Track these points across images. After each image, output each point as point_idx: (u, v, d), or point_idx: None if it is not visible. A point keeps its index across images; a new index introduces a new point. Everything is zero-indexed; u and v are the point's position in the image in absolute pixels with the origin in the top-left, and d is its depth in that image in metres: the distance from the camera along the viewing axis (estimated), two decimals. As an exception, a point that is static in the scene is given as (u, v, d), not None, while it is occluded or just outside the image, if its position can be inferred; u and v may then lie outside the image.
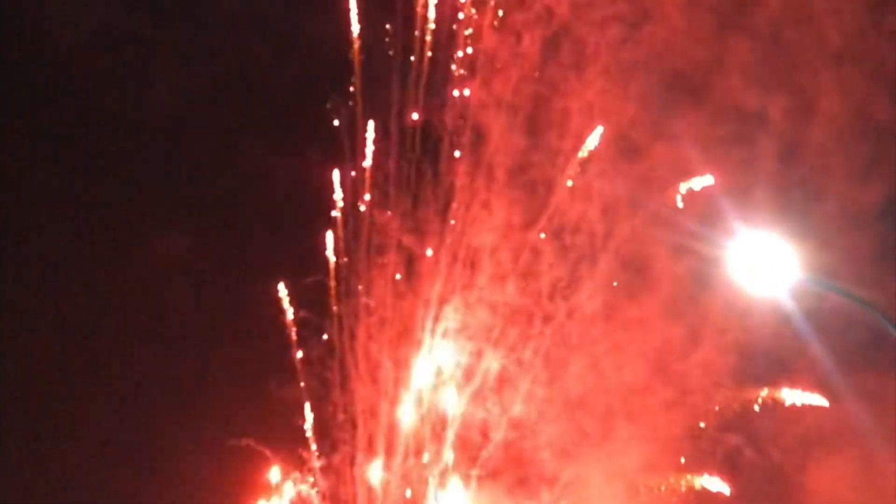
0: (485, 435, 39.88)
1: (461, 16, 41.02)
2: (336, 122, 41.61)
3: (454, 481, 39.80)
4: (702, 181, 37.32)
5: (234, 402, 40.65)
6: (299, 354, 41.23)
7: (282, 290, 41.18)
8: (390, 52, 41.53)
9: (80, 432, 41.40)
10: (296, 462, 41.26)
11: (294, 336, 41.30)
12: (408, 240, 41.37)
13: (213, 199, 43.20)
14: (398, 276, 41.37)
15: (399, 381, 40.49)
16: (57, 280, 42.57)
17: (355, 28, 41.24)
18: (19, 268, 42.68)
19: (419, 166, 41.73)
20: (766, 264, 21.96)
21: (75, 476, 40.37)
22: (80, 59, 42.44)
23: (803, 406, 35.68)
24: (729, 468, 37.70)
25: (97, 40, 43.03)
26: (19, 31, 42.93)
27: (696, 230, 33.59)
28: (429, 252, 41.26)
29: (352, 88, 41.85)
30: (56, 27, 42.48)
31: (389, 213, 41.77)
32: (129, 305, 42.32)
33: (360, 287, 41.64)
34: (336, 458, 41.05)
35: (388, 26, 41.44)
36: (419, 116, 41.71)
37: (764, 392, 36.74)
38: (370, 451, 40.59)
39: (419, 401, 40.22)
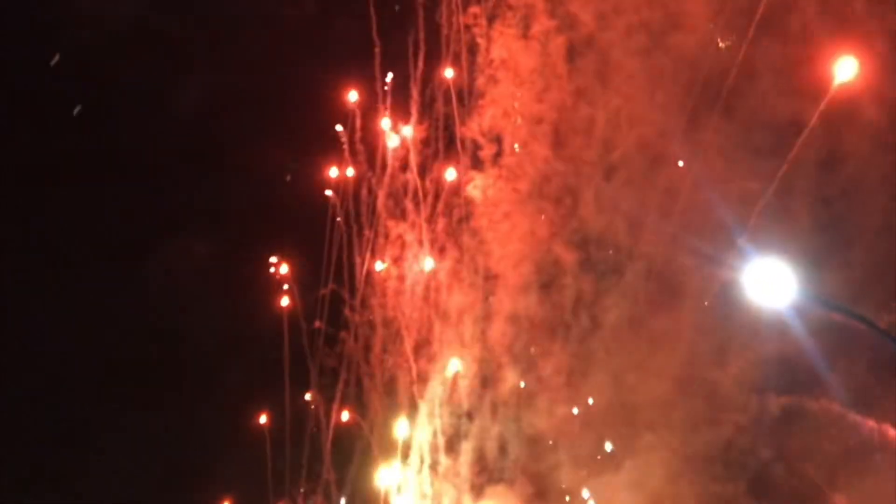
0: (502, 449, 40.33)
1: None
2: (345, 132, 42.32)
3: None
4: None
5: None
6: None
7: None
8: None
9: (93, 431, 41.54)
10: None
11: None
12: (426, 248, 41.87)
13: (233, 203, 43.08)
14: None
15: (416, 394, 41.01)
16: (73, 284, 42.61)
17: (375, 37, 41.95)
18: (30, 269, 42.73)
19: (439, 176, 42.20)
20: (776, 284, 22.39)
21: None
22: (100, 60, 42.61)
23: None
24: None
25: (117, 41, 43.27)
26: (42, 27, 43.35)
27: (711, 251, 33.99)
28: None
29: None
30: (78, 27, 42.96)
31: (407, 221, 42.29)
32: (142, 307, 42.30)
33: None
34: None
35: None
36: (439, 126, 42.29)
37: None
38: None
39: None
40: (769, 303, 22.02)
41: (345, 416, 41.94)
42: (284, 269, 42.85)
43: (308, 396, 41.80)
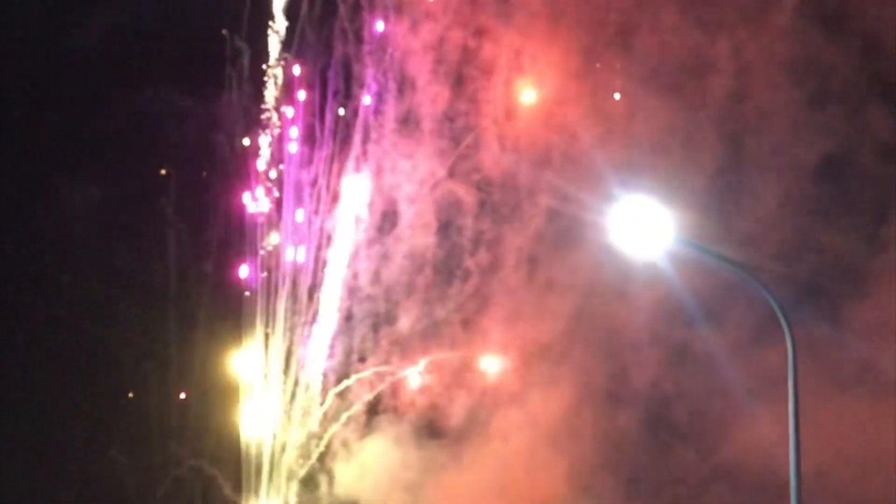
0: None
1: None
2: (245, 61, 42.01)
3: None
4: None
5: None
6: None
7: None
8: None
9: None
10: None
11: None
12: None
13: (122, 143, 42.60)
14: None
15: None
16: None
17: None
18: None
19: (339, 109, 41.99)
20: (644, 228, 22.29)
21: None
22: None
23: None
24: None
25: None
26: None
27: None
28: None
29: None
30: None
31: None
32: (33, 257, 41.92)
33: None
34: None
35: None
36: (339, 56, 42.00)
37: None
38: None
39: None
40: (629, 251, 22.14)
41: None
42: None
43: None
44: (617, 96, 39.65)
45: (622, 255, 23.05)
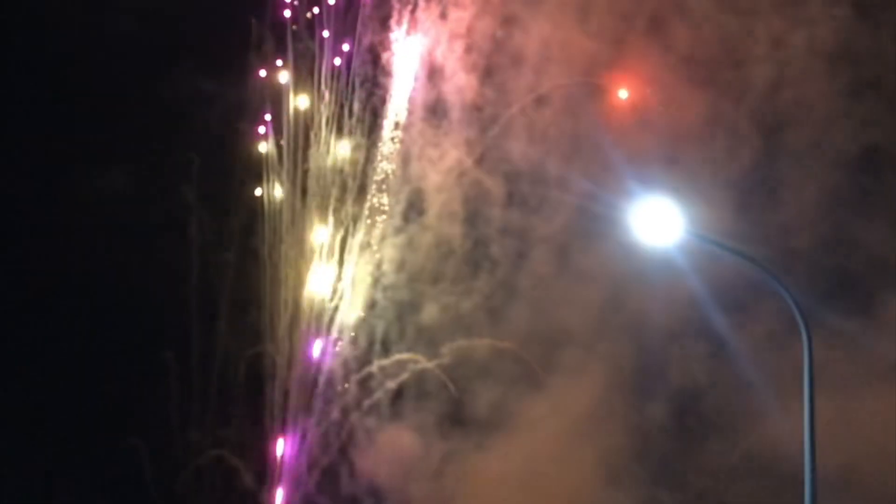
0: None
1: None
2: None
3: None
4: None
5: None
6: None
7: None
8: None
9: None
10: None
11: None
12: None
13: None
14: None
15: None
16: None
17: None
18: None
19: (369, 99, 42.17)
20: (658, 223, 22.45)
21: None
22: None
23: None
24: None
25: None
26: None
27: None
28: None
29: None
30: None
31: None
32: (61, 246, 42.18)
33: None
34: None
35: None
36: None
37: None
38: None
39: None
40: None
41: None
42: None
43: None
44: (623, 94, 39.62)
45: (643, 250, 23.24)
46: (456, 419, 40.46)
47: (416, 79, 41.85)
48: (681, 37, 39.07)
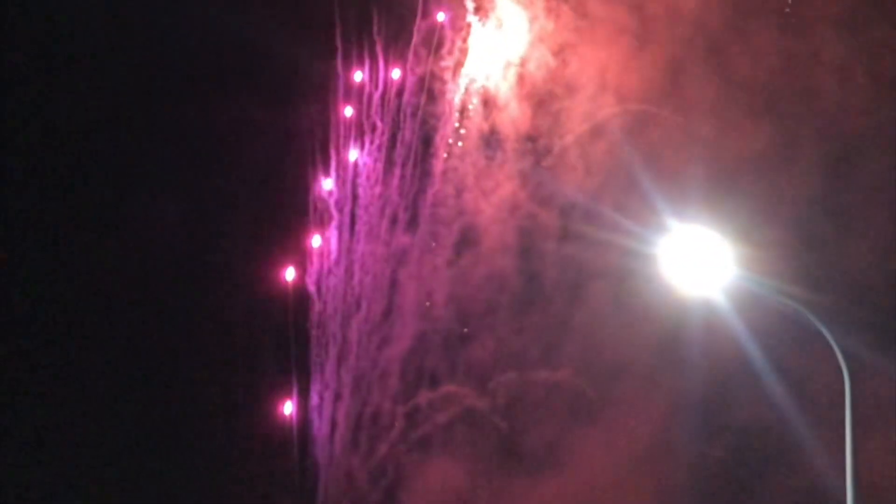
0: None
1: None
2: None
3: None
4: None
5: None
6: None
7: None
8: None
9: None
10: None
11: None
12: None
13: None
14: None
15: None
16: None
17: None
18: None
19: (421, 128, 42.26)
20: (699, 261, 22.43)
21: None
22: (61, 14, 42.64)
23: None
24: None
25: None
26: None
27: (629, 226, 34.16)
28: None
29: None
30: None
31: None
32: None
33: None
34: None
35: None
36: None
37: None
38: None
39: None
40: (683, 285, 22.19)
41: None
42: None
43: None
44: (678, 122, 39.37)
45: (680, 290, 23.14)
46: (508, 453, 40.37)
47: (468, 108, 41.85)
48: (741, 64, 38.92)
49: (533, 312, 40.47)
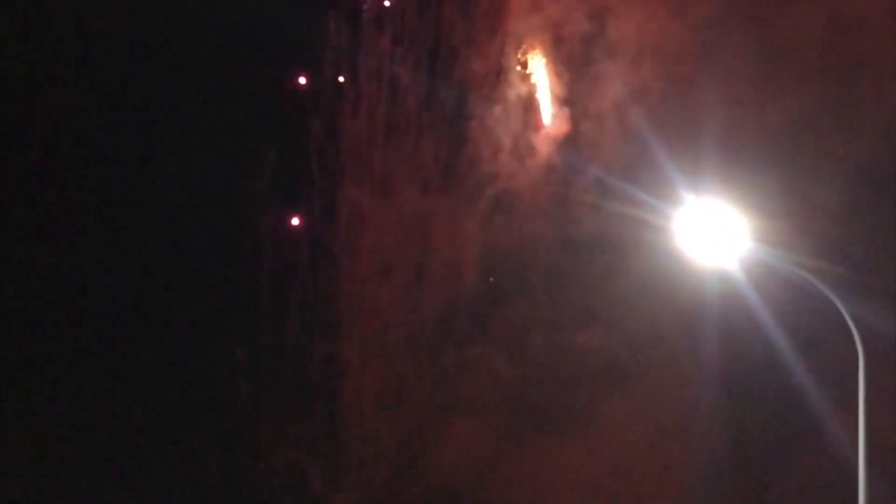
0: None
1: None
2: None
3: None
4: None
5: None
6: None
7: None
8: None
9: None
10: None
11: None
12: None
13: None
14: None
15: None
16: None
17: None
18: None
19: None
20: (715, 233, 22.76)
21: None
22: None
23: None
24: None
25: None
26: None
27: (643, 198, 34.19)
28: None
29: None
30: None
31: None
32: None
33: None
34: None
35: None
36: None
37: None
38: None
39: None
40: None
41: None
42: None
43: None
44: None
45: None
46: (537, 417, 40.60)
47: (502, 71, 41.75)
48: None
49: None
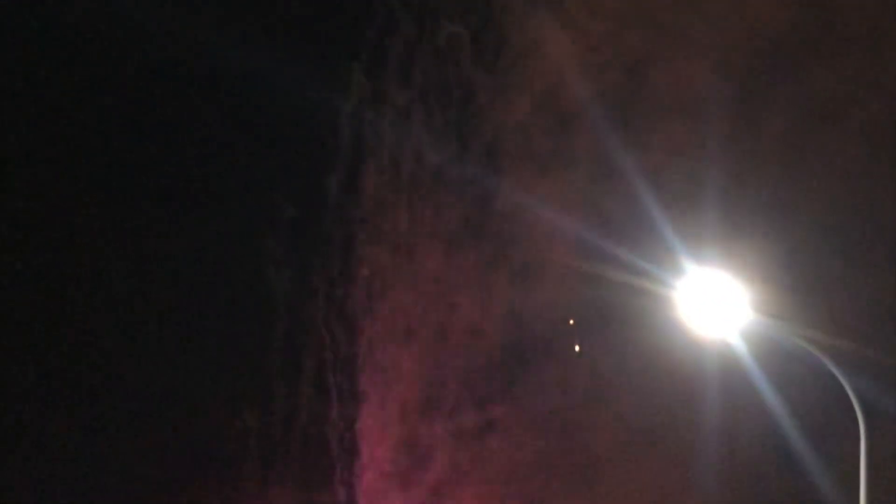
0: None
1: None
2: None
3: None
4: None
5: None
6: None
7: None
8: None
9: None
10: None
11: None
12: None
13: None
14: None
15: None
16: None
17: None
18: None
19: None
20: (715, 304, 22.82)
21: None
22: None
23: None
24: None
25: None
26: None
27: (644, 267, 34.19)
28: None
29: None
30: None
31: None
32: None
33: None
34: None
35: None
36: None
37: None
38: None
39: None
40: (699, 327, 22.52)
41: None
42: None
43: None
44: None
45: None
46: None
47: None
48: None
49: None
